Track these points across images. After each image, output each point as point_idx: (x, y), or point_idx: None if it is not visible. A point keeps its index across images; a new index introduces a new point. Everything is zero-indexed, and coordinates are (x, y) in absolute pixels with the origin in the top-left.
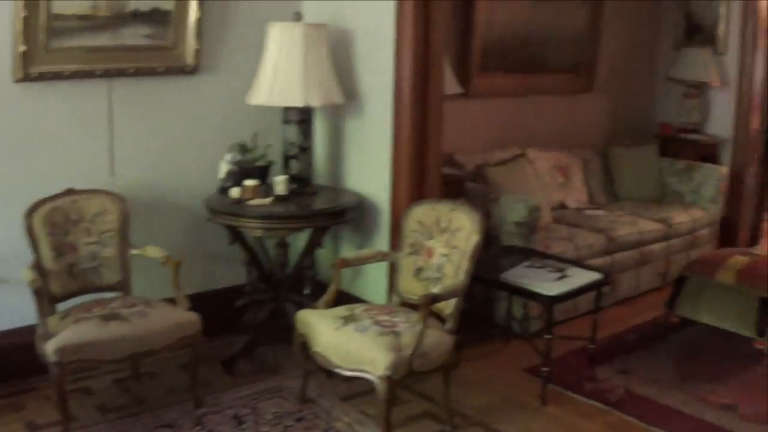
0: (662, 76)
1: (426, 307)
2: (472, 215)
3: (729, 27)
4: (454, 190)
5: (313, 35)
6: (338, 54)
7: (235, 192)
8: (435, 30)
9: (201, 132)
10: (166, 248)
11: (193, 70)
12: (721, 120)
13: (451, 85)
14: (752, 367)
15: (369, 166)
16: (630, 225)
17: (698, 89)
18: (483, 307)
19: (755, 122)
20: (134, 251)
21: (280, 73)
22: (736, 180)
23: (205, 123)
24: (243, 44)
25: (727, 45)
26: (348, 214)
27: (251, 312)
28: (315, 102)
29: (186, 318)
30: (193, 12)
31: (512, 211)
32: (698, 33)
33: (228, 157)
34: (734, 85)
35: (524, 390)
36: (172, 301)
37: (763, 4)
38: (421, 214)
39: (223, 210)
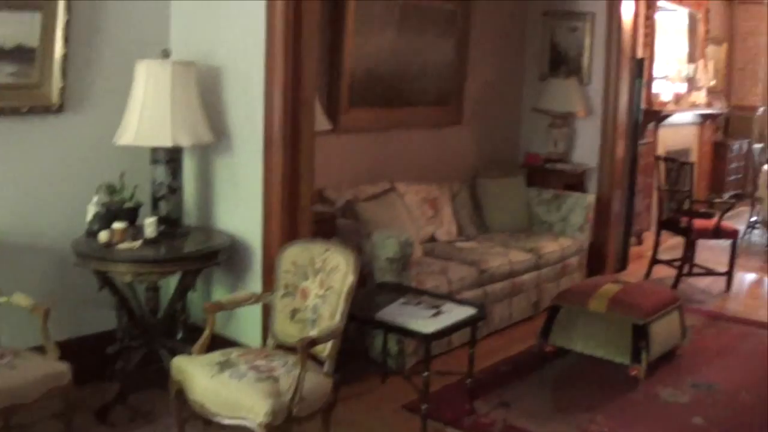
0: (528, 106)
1: (304, 351)
2: (347, 255)
3: (593, 57)
4: (325, 227)
5: (182, 73)
6: (207, 92)
7: (103, 236)
8: (305, 68)
9: (67, 173)
10: (33, 294)
11: (58, 109)
12: (586, 149)
13: (320, 121)
14: (628, 394)
15: (240, 206)
16: (501, 256)
17: (564, 119)
18: (358, 343)
19: (620, 149)
20: (0, 299)
21: (148, 112)
22: (602, 207)
23: (72, 164)
24: (110, 82)
25: (591, 75)
26: (220, 256)
27: (123, 358)
28: (184, 142)
29: (56, 369)
30: (58, 49)
31: (384, 247)
32: (563, 64)
33: (95, 199)
34: (599, 114)
35: (404, 428)
36: (41, 349)
37: (626, 35)
38: (295, 254)
39: (91, 254)
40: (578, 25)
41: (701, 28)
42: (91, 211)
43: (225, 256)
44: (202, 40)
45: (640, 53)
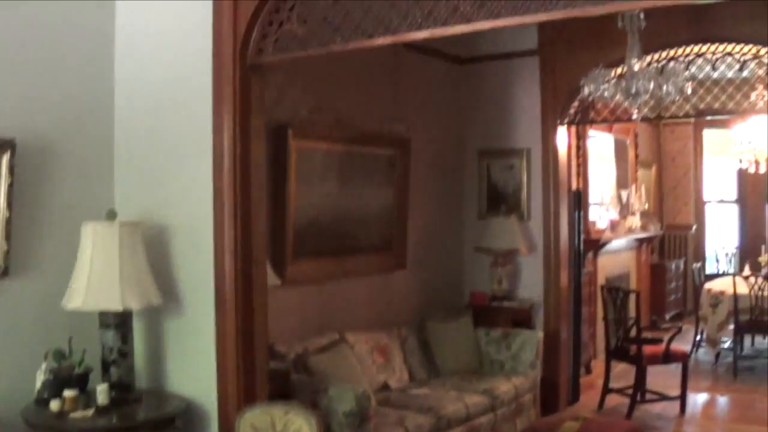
0: (470, 246)
1: None
2: (308, 417)
3: (531, 193)
4: (279, 383)
5: (129, 234)
6: (155, 252)
7: (54, 405)
8: (255, 224)
9: (14, 338)
10: None
11: (3, 273)
12: (531, 283)
13: (268, 276)
14: None
15: (194, 368)
16: (456, 400)
17: (506, 257)
18: None
19: (564, 282)
20: None
21: (96, 275)
22: (551, 340)
23: (18, 329)
24: (56, 244)
25: (530, 211)
26: (176, 422)
27: None
28: (133, 305)
29: None
30: (1, 212)
31: (342, 402)
32: (502, 201)
33: (43, 365)
34: (541, 249)
35: None
36: None
37: (562, 168)
38: (254, 417)
39: (42, 424)
40: (514, 162)
41: (631, 153)
42: (40, 378)
43: (181, 422)
44: (148, 199)
45: (575, 184)
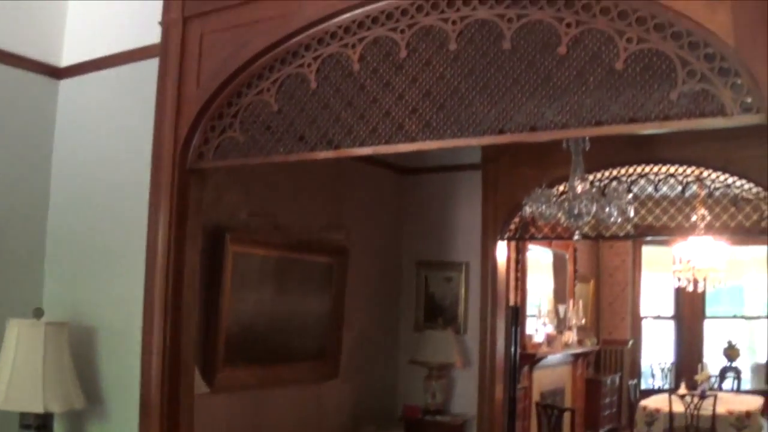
0: (405, 358)
1: None
2: None
3: (468, 307)
4: None
5: (55, 334)
6: (81, 353)
7: None
8: (185, 331)
9: None
10: None
11: None
12: (465, 398)
13: (197, 384)
14: None
15: None
16: None
17: (441, 370)
18: None
19: (498, 397)
20: None
21: (18, 374)
22: None
23: None
24: None
25: (467, 325)
26: None
27: None
28: (55, 408)
29: None
30: None
31: None
32: (439, 314)
33: None
34: (476, 364)
35: None
36: None
37: (501, 283)
38: None
39: None
40: (453, 274)
41: (569, 268)
42: None
43: None
44: (77, 299)
45: (512, 299)
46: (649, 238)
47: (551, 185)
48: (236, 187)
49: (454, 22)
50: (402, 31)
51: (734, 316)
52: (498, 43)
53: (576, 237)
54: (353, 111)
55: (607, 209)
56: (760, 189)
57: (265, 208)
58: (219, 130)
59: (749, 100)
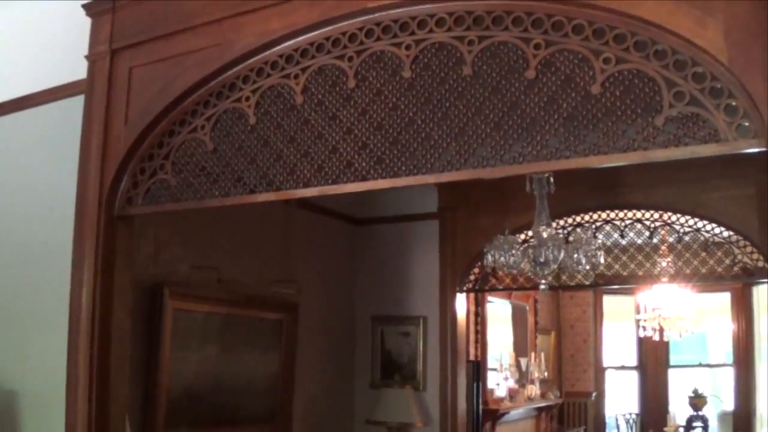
0: (361, 418)
1: None
2: None
3: (427, 362)
4: None
5: None
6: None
7: None
8: (114, 396)
9: None
10: None
11: None
12: None
13: None
14: None
15: None
16: None
17: (400, 430)
18: None
19: None
20: None
21: None
22: None
23: None
24: None
25: (426, 381)
26: None
27: None
28: None
29: None
30: None
31: None
32: (396, 371)
33: None
34: (437, 422)
35: None
36: None
37: (461, 337)
38: None
39: None
40: (410, 329)
41: (530, 320)
42: None
43: None
44: None
45: (473, 353)
46: (612, 287)
47: (513, 233)
48: (177, 240)
49: (408, 47)
50: (350, 59)
51: (699, 364)
52: (458, 68)
53: (542, 287)
54: (296, 148)
55: (575, 256)
56: (731, 233)
57: (209, 262)
58: (149, 173)
59: (746, 123)
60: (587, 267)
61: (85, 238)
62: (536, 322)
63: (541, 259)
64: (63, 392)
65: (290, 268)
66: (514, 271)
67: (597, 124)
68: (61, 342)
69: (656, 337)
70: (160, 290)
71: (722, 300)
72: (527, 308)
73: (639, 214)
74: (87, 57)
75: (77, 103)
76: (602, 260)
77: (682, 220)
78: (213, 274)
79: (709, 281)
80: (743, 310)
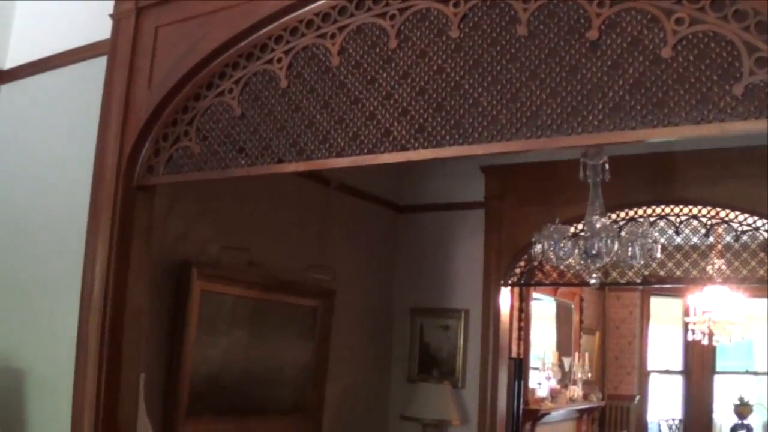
0: (396, 413)
1: None
2: None
3: (467, 358)
4: None
5: None
6: (7, 400)
7: None
8: (125, 378)
9: None
10: None
11: None
12: None
13: None
14: None
15: None
16: None
17: (436, 428)
18: None
19: None
20: None
21: None
22: None
23: None
24: None
25: (466, 378)
26: None
27: None
28: None
29: None
30: None
31: None
32: (435, 366)
33: None
34: (475, 421)
35: None
36: None
37: (503, 333)
38: None
39: None
40: (451, 323)
41: (575, 319)
42: None
43: None
44: (3, 339)
45: (515, 350)
46: (660, 288)
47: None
48: (207, 219)
49: (456, 4)
50: (392, 17)
51: (746, 372)
52: (511, 28)
53: (593, 281)
54: (330, 114)
55: (629, 249)
56: None
57: (241, 243)
58: (172, 140)
59: None
60: (641, 261)
61: (102, 208)
62: (581, 321)
63: (593, 251)
64: (72, 374)
65: (326, 254)
66: (564, 264)
67: (667, 92)
68: (72, 321)
69: (705, 341)
70: (188, 270)
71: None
72: (572, 306)
73: (695, 210)
74: (111, 15)
75: (98, 65)
76: (659, 254)
77: (741, 218)
78: (244, 255)
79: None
80: None
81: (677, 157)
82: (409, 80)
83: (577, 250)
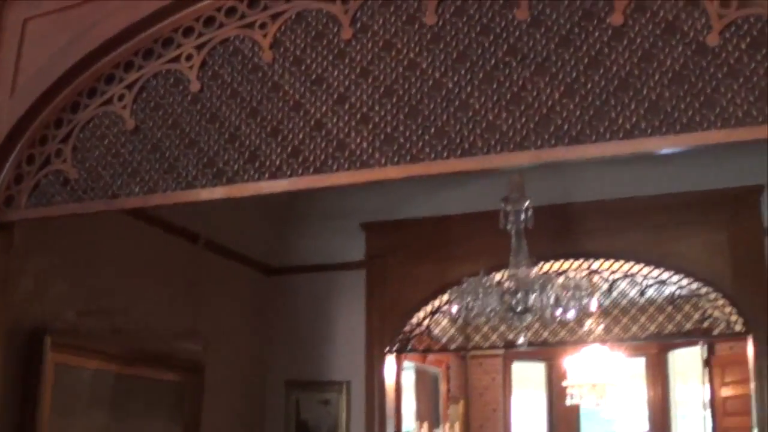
0: None
1: None
2: None
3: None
4: None
5: None
6: None
7: None
8: None
9: None
10: None
11: None
12: None
13: None
14: None
15: None
16: None
17: None
18: None
19: None
20: None
21: None
22: None
23: None
24: None
25: None
26: None
27: None
28: None
29: None
30: None
31: None
32: None
33: None
34: None
35: None
36: None
37: (390, 404)
38: None
39: None
40: (331, 396)
41: (443, 387)
42: None
43: None
44: None
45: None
46: (522, 352)
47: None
48: (64, 277)
49: None
50: (344, 0)
51: None
52: (507, 12)
53: (521, 341)
54: (260, 124)
55: (563, 303)
56: (700, 284)
57: (102, 306)
58: (40, 162)
59: None
60: (569, 316)
61: None
62: (448, 390)
63: (523, 306)
64: None
65: (196, 321)
66: (484, 322)
67: (717, 87)
68: None
69: (584, 404)
70: (40, 338)
71: (636, 366)
72: (439, 374)
73: (597, 264)
74: None
75: None
76: (595, 308)
77: (646, 270)
78: (105, 321)
79: (676, 339)
80: (659, 375)
81: (576, 208)
82: (370, 79)
83: (501, 307)
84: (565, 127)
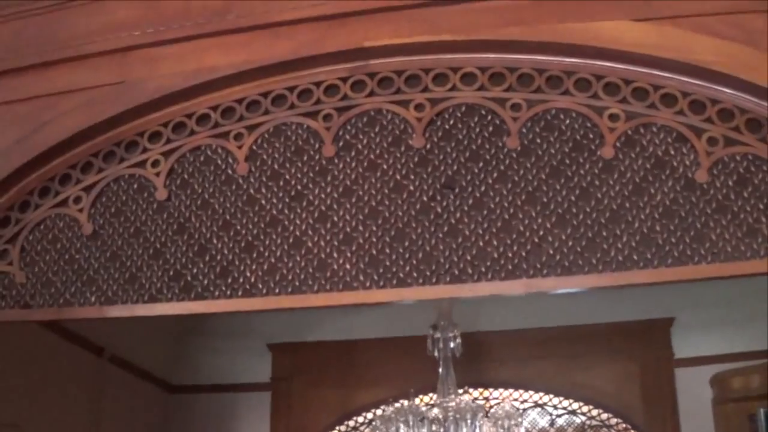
0: None
1: None
2: None
3: None
4: None
5: None
6: None
7: None
8: None
9: None
10: None
11: None
12: None
13: None
14: None
15: None
16: None
17: None
18: None
19: None
20: None
21: None
22: None
23: None
24: None
25: None
26: None
27: None
28: None
29: None
30: None
31: None
32: None
33: None
34: None
35: None
36: None
37: None
38: None
39: None
40: None
41: None
42: None
43: None
44: None
45: None
46: None
47: (358, 412)
48: None
49: (418, 107)
50: (326, 117)
51: None
52: (497, 140)
53: None
54: (233, 238)
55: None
56: (610, 414)
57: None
58: None
59: None
60: None
61: None
62: None
63: None
64: None
65: None
66: None
67: (707, 222)
68: None
69: None
70: None
71: None
72: None
73: (506, 394)
74: None
75: None
76: None
77: (556, 401)
78: None
79: None
80: None
81: (486, 337)
82: (354, 199)
83: None
84: (557, 257)
